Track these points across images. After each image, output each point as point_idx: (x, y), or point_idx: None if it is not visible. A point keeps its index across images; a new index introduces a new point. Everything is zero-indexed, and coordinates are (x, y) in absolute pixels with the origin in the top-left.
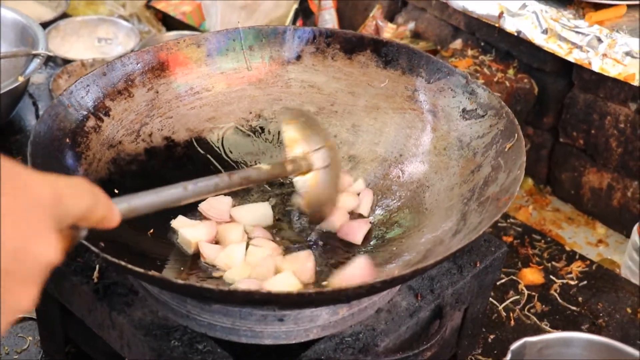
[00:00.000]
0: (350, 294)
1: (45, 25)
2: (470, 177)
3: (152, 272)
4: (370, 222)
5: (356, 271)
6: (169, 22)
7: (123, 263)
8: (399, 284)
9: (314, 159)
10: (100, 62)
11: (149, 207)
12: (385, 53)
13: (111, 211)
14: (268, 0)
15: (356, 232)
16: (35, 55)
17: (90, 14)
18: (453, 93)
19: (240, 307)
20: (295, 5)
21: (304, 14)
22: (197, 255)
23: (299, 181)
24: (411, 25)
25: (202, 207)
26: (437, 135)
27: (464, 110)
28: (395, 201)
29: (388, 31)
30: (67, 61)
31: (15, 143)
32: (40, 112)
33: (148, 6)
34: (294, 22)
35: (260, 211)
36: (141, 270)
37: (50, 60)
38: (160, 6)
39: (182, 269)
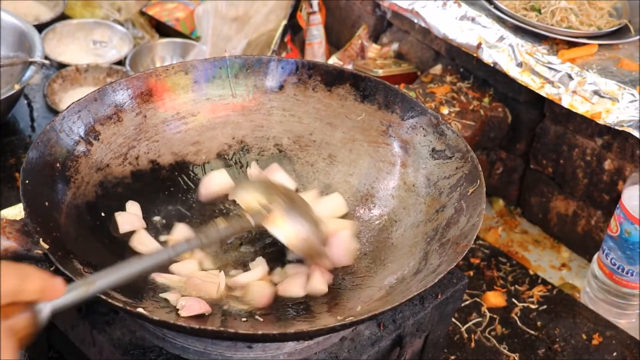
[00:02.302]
0: (312, 334)
1: (43, 26)
2: (435, 216)
3: (130, 307)
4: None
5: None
6: (162, 29)
7: (103, 297)
8: (358, 325)
9: (272, 205)
10: (94, 68)
11: (108, 286)
12: (363, 87)
13: (49, 282)
14: (259, 15)
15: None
16: (32, 63)
17: (86, 16)
18: (424, 132)
19: (210, 339)
20: (285, 22)
21: (293, 29)
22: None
23: (277, 234)
24: (395, 46)
25: None
26: (407, 172)
27: (433, 149)
28: (364, 233)
29: (372, 51)
30: (62, 65)
31: (9, 145)
32: (35, 114)
33: (142, 12)
34: (282, 37)
35: None
36: (119, 304)
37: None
38: (154, 11)
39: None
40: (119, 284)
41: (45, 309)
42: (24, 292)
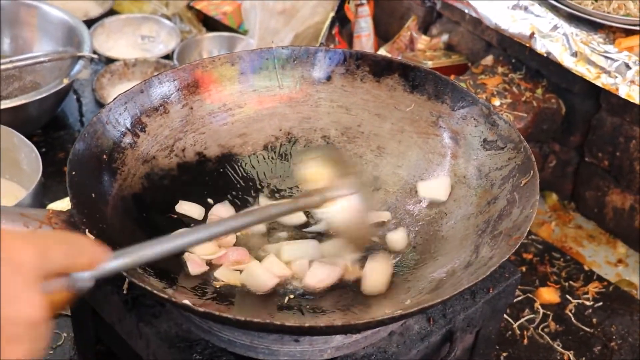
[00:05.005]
0: (360, 327)
1: (91, 22)
2: (487, 208)
3: (174, 298)
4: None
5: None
6: (210, 23)
7: (149, 288)
8: (407, 318)
9: (337, 187)
10: (142, 62)
11: (156, 256)
12: (412, 78)
13: (98, 256)
14: (306, 7)
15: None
16: (80, 57)
17: (135, 11)
18: (475, 122)
19: (256, 331)
20: (332, 14)
21: (341, 22)
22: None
23: (328, 215)
24: (445, 37)
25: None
26: (458, 163)
27: (485, 140)
28: (414, 226)
29: (422, 42)
30: (110, 60)
31: (58, 139)
32: (84, 109)
33: (190, 7)
34: (330, 29)
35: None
36: (165, 296)
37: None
38: (201, 6)
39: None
40: (162, 256)
41: (85, 278)
42: (72, 267)
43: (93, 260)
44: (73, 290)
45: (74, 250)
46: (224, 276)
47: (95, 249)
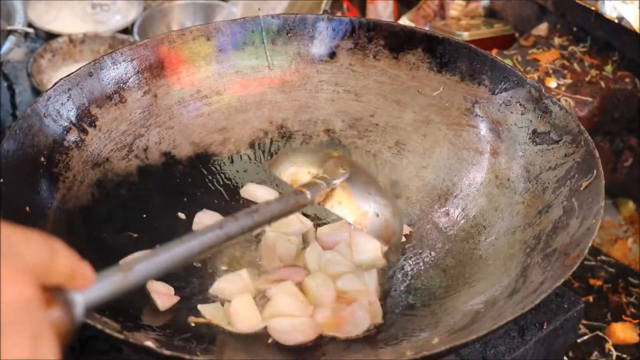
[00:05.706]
0: None
1: None
2: (537, 219)
3: (133, 339)
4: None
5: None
6: None
7: (100, 327)
8: None
9: (328, 176)
10: (92, 38)
11: (152, 272)
12: (441, 53)
13: (79, 265)
14: None
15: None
16: (11, 32)
17: None
18: (522, 109)
19: None
20: None
21: None
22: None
23: (342, 213)
24: (485, 1)
25: None
26: (499, 161)
27: (534, 131)
28: (443, 243)
29: (455, 8)
30: (51, 35)
31: None
32: (17, 99)
33: None
34: None
35: None
36: (121, 336)
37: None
38: None
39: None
40: (167, 270)
41: (80, 302)
42: (53, 271)
43: (74, 271)
44: (72, 319)
45: (50, 253)
46: (208, 312)
47: (72, 257)
